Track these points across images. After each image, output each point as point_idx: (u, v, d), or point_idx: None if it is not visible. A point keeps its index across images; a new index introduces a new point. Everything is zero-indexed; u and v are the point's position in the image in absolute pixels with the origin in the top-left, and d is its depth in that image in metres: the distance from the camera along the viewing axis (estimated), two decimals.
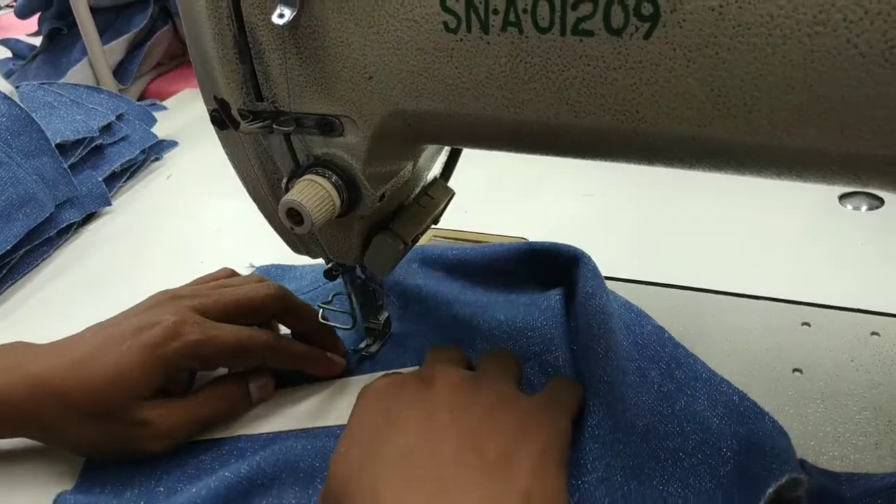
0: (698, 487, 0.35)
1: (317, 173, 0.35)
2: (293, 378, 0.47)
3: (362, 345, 0.49)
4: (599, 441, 0.37)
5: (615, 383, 0.39)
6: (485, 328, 0.48)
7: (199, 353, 0.41)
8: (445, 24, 0.28)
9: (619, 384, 0.39)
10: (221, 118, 0.35)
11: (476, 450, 0.33)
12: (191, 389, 0.45)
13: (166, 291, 0.45)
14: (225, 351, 0.42)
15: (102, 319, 0.44)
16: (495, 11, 0.27)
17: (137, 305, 0.45)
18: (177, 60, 1.15)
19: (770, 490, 0.32)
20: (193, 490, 0.38)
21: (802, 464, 0.37)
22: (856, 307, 0.49)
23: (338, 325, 0.48)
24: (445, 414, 0.35)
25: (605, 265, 0.49)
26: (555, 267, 0.51)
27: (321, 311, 0.48)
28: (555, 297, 0.49)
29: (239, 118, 0.35)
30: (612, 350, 0.41)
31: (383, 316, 0.49)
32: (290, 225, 0.34)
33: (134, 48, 1.05)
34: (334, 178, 0.35)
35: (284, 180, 0.37)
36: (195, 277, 0.62)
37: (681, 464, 0.36)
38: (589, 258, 0.49)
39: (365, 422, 0.36)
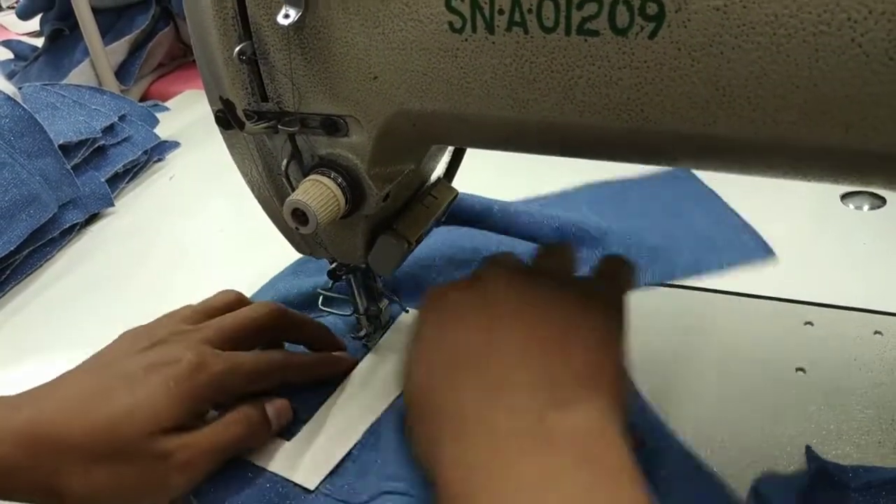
0: None
1: (321, 173, 0.35)
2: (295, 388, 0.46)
3: (362, 332, 0.49)
4: None
5: None
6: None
7: (226, 383, 0.40)
8: (450, 24, 0.29)
9: None
10: (226, 118, 0.35)
11: (532, 334, 0.34)
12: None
13: (137, 329, 0.43)
14: (249, 377, 0.42)
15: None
16: (500, 11, 0.27)
17: (113, 346, 0.42)
18: (178, 61, 1.15)
19: None
20: None
21: (809, 450, 0.38)
22: (858, 306, 0.49)
23: (337, 312, 0.48)
24: (499, 309, 0.36)
25: None
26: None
27: (321, 297, 0.48)
28: None
29: (244, 118, 0.35)
30: None
31: (384, 304, 0.49)
32: (295, 225, 0.34)
33: (135, 49, 1.05)
34: (339, 178, 0.35)
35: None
36: (197, 278, 0.62)
37: None
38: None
39: (426, 331, 0.37)
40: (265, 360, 0.43)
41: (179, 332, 0.42)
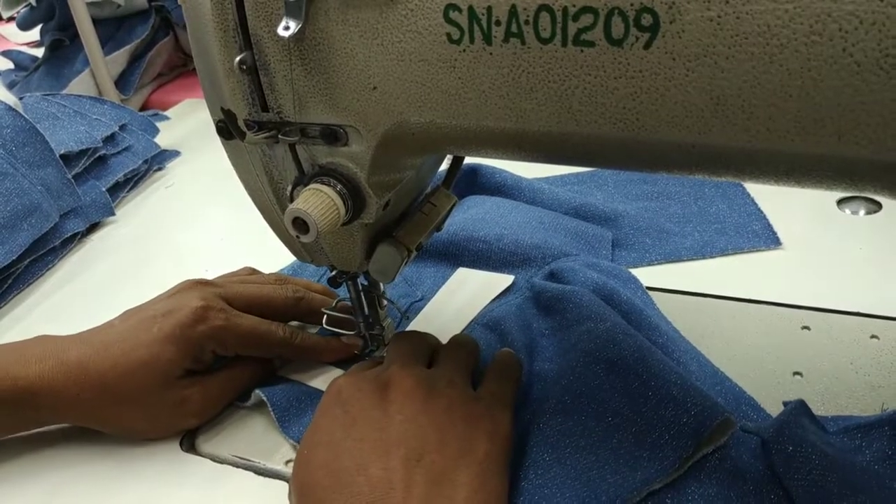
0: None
1: (322, 182, 0.35)
2: None
3: (366, 350, 0.49)
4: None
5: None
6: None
7: (221, 338, 0.45)
8: (449, 35, 0.29)
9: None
10: (227, 129, 0.36)
11: (423, 464, 0.35)
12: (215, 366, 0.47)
13: (193, 279, 0.48)
14: (244, 340, 0.46)
15: None
16: (497, 23, 0.28)
17: (167, 291, 0.48)
18: (177, 71, 1.15)
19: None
20: None
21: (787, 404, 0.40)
22: (855, 311, 0.49)
23: (341, 332, 0.48)
24: (397, 426, 0.37)
25: None
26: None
27: (325, 317, 0.48)
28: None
29: (245, 129, 0.35)
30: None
31: (387, 322, 0.49)
32: (296, 233, 0.34)
33: (135, 59, 1.06)
34: (339, 186, 0.35)
35: (289, 189, 0.37)
36: None
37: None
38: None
39: (326, 426, 0.38)
40: (265, 330, 0.46)
41: (204, 283, 0.47)
